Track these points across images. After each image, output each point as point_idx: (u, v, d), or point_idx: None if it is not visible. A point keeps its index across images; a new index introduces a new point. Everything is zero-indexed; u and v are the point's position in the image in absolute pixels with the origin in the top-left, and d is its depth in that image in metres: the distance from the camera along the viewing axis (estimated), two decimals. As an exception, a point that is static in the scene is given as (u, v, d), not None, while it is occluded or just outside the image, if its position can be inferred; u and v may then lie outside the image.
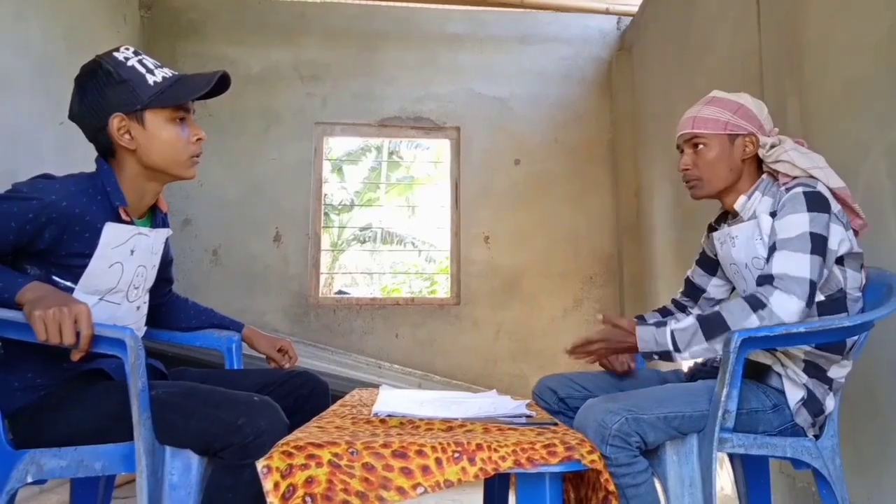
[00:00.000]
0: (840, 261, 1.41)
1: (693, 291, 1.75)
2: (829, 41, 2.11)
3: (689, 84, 3.22)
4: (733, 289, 1.71)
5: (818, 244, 1.34)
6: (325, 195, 4.36)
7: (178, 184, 1.47)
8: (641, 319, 1.71)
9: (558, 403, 1.61)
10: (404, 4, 4.18)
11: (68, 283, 1.29)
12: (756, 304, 1.33)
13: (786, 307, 1.30)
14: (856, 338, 1.42)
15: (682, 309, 1.77)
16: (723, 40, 2.87)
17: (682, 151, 1.57)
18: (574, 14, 4.22)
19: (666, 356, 1.40)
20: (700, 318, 1.38)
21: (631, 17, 4.18)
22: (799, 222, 1.36)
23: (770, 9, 2.46)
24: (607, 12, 4.19)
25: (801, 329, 1.32)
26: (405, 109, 4.17)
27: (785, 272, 1.33)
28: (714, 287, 1.72)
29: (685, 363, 1.91)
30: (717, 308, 1.41)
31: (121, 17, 3.70)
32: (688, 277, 1.77)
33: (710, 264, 1.71)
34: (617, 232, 4.15)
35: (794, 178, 1.44)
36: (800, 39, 2.26)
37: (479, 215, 4.14)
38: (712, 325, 1.36)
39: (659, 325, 1.42)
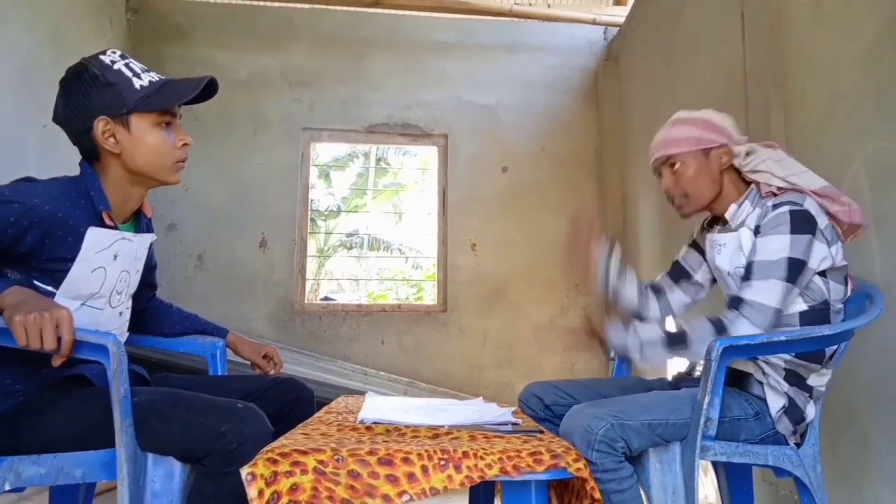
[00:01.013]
0: (822, 273, 1.43)
1: (680, 272, 1.73)
2: (813, 54, 2.14)
3: (674, 94, 3.26)
4: (715, 281, 1.71)
5: (794, 270, 1.37)
6: (312, 201, 4.34)
7: (164, 188, 1.46)
8: None
9: (544, 411, 1.62)
10: (392, 12, 4.20)
11: (49, 288, 1.27)
12: (720, 328, 1.37)
13: (746, 335, 1.35)
14: (836, 347, 1.43)
15: (658, 291, 1.75)
16: (708, 52, 2.91)
17: (659, 175, 1.59)
18: (561, 24, 4.26)
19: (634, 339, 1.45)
20: (666, 333, 1.42)
21: (618, 28, 4.23)
22: (779, 246, 1.37)
23: (754, 21, 2.50)
24: (594, 23, 4.23)
25: (783, 338, 1.34)
26: (393, 116, 4.18)
27: (755, 300, 1.37)
28: (704, 273, 1.70)
29: (669, 372, 1.92)
30: (683, 327, 1.42)
31: (107, 21, 3.68)
32: (677, 260, 1.75)
33: (702, 252, 1.70)
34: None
35: (779, 188, 1.45)
36: (783, 52, 2.30)
37: (466, 222, 4.15)
38: (675, 340, 1.41)
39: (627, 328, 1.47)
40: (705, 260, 1.70)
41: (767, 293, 1.36)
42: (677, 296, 1.73)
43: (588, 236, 1.72)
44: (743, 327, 1.36)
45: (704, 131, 1.52)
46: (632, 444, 1.31)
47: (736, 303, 1.39)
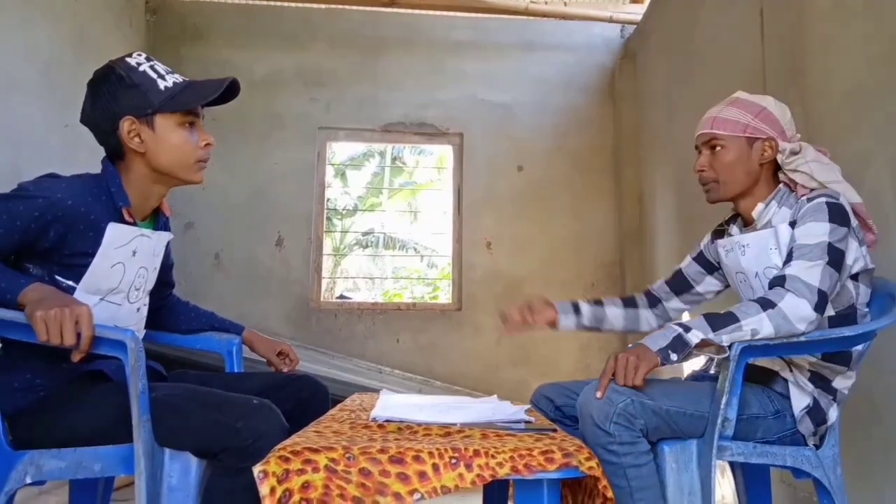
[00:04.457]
0: (854, 276, 1.40)
1: (681, 284, 1.70)
2: (832, 51, 2.11)
3: (692, 92, 3.22)
4: (724, 289, 1.68)
5: (835, 256, 1.32)
6: (328, 200, 4.37)
7: (181, 187, 1.49)
8: (576, 306, 1.71)
9: (555, 412, 1.61)
10: (409, 11, 4.20)
11: (70, 283, 1.29)
12: (766, 304, 1.30)
13: (796, 308, 1.27)
14: (860, 348, 1.41)
15: (654, 303, 1.72)
16: (726, 49, 2.87)
17: (699, 151, 1.54)
18: (578, 22, 4.23)
19: (679, 344, 1.29)
20: (706, 315, 1.33)
21: (634, 26, 4.19)
22: (819, 231, 1.34)
23: (773, 19, 2.47)
24: (611, 20, 4.20)
25: (802, 339, 1.31)
26: (409, 115, 4.18)
27: (797, 275, 1.31)
28: (707, 286, 1.68)
29: (686, 369, 1.90)
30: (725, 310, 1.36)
31: (126, 22, 3.73)
32: (679, 269, 1.72)
33: (707, 265, 1.68)
34: (619, 239, 4.15)
35: (812, 189, 1.42)
36: (803, 49, 2.27)
37: (481, 221, 4.14)
38: (720, 318, 1.31)
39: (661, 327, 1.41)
40: (710, 273, 1.67)
41: (810, 271, 1.30)
42: (674, 304, 1.72)
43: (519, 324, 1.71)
44: (791, 300, 1.28)
45: (756, 119, 1.46)
46: (649, 425, 1.29)
47: (779, 281, 1.33)
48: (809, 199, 1.39)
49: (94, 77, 1.37)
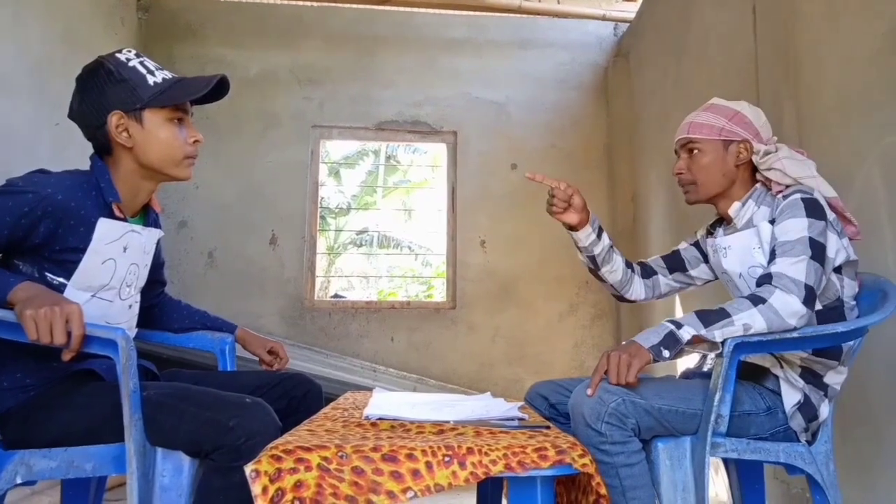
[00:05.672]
0: (838, 269, 1.42)
1: (677, 263, 1.72)
2: (825, 49, 2.12)
3: (685, 90, 3.23)
4: (714, 279, 1.70)
5: (817, 250, 1.34)
6: (322, 198, 4.36)
7: (175, 186, 1.49)
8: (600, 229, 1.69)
9: (549, 409, 1.61)
10: (403, 9, 4.20)
11: (61, 279, 1.29)
12: (756, 300, 1.32)
13: (787, 304, 1.29)
14: (851, 343, 1.42)
15: (648, 274, 1.75)
16: (719, 47, 2.88)
17: (678, 155, 1.59)
18: (571, 20, 4.24)
19: (671, 341, 1.31)
20: (698, 312, 1.35)
21: (628, 24, 4.20)
22: (798, 227, 1.36)
23: (766, 16, 2.47)
24: (604, 18, 4.21)
25: (795, 334, 1.32)
26: (402, 113, 4.18)
27: (783, 272, 1.33)
28: (700, 272, 1.70)
29: (680, 367, 1.91)
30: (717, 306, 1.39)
31: (118, 20, 3.70)
32: (677, 250, 1.74)
33: (703, 253, 1.70)
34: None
35: (787, 186, 1.45)
36: (795, 47, 2.28)
37: (475, 219, 4.14)
38: (711, 314, 1.32)
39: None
40: (705, 262, 1.69)
41: (795, 267, 1.32)
42: (666, 280, 1.75)
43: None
44: (780, 296, 1.30)
45: (731, 123, 1.51)
46: (641, 424, 1.30)
47: (765, 278, 1.35)
48: (785, 196, 1.42)
49: (82, 72, 1.37)
